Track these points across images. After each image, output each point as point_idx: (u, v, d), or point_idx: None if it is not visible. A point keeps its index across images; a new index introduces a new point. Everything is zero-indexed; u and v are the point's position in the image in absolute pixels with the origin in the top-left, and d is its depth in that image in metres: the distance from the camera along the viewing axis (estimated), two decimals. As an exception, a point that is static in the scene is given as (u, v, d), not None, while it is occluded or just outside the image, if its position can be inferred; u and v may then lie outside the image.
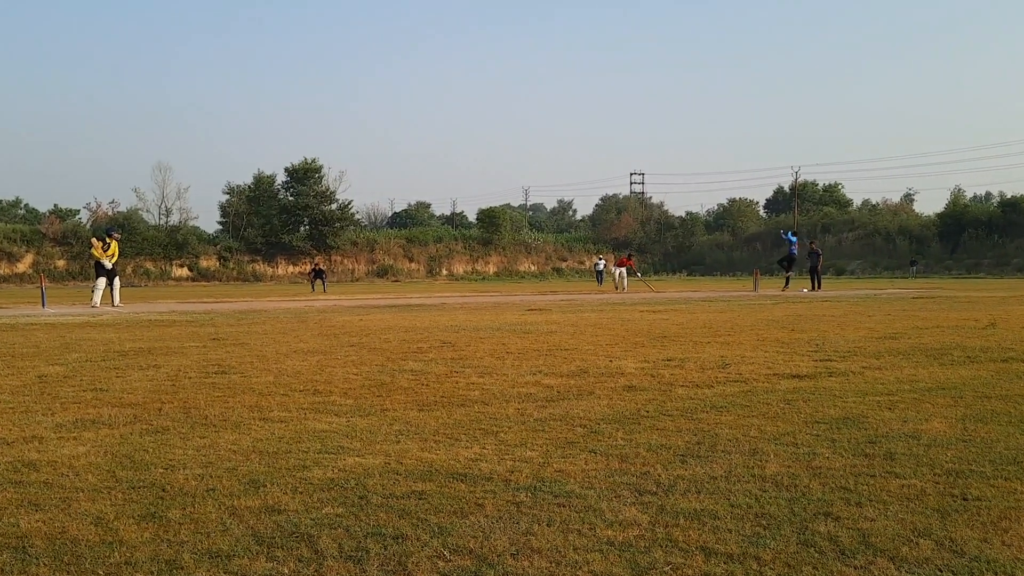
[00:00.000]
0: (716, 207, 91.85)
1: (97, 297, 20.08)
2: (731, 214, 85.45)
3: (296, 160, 67.00)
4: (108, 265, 20.34)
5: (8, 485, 3.72)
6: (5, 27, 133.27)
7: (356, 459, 4.15)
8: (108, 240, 20.62)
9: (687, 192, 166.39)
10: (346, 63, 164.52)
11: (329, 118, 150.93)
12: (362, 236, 70.94)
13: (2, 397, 6.09)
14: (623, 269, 33.67)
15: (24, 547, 2.93)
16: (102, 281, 20.36)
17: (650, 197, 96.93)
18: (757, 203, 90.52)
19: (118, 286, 20.55)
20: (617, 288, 32.70)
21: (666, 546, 2.94)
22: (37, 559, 2.82)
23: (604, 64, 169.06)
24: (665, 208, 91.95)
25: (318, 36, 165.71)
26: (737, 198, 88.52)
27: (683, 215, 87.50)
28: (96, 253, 20.39)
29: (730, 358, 8.08)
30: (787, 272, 29.17)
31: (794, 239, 29.19)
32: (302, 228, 66.76)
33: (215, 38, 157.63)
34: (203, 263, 62.31)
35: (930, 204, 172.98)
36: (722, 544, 2.95)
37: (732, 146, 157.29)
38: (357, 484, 3.70)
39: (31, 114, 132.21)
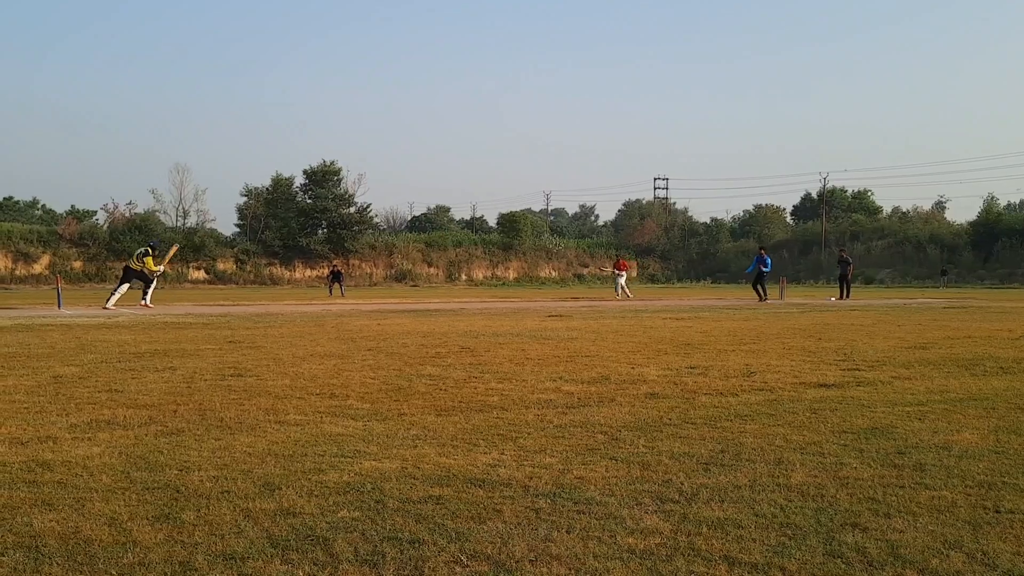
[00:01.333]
0: (742, 213, 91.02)
1: (114, 300, 20.38)
2: (757, 220, 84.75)
3: (315, 162, 67.03)
4: (162, 270, 21.40)
5: (22, 485, 3.69)
6: (21, 27, 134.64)
7: (373, 463, 4.10)
8: (152, 252, 21.10)
9: (712, 198, 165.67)
10: (365, 65, 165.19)
11: (348, 120, 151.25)
12: (381, 240, 70.89)
13: (17, 397, 6.09)
14: (623, 275, 31.52)
15: (37, 546, 2.89)
16: (125, 287, 20.77)
17: (674, 203, 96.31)
18: (784, 209, 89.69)
19: (152, 288, 21.06)
20: (620, 296, 31.02)
21: (688, 555, 2.87)
22: (50, 559, 2.78)
23: (628, 67, 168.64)
24: (689, 214, 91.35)
25: (337, 38, 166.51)
26: (764, 204, 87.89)
27: (708, 221, 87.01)
28: (154, 267, 20.86)
29: (755, 366, 7.98)
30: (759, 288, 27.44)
31: (768, 260, 27.22)
32: (320, 231, 66.74)
33: (232, 39, 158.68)
34: (220, 266, 62.45)
35: (962, 212, 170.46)
36: (746, 554, 2.88)
37: (759, 151, 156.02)
38: (374, 488, 3.64)
39: (48, 114, 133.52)
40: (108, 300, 20.60)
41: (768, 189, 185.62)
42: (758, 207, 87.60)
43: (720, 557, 2.85)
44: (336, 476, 3.84)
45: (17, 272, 56.55)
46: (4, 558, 2.78)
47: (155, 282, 21.24)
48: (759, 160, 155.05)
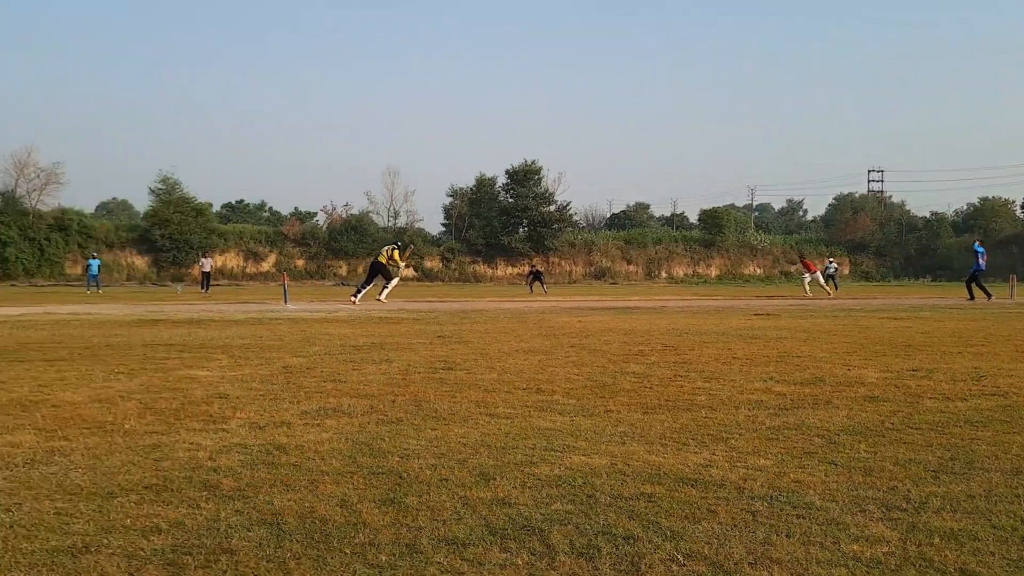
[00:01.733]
0: (965, 207, 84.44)
1: (361, 296, 21.92)
2: (983, 214, 78.39)
3: (516, 162, 68.39)
4: (403, 266, 23.24)
5: (262, 466, 3.99)
6: (246, 41, 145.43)
7: (582, 458, 4.14)
8: (399, 247, 22.78)
9: (932, 191, 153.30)
10: (564, 64, 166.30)
11: (548, 119, 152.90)
12: (580, 238, 71.33)
13: (253, 385, 6.58)
14: (811, 275, 31.68)
15: (279, 523, 3.12)
16: (395, 282, 22.39)
17: (890, 196, 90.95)
18: (1013, 202, 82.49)
19: (391, 286, 22.38)
20: (812, 294, 30.85)
21: (920, 565, 2.72)
22: (291, 535, 2.99)
23: (839, 54, 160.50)
24: (907, 208, 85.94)
25: (538, 39, 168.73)
26: (990, 197, 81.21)
27: (927, 215, 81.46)
28: (399, 260, 22.37)
29: (985, 370, 7.42)
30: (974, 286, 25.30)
31: (980, 250, 25.15)
32: (521, 230, 68.04)
33: (438, 46, 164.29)
34: (427, 264, 64.93)
35: None
36: (984, 567, 2.70)
37: (984, 140, 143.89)
38: (584, 483, 3.68)
39: (276, 122, 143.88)
40: (356, 295, 21.86)
41: (996, 180, 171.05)
42: (984, 200, 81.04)
43: (955, 569, 2.68)
44: (547, 469, 3.91)
45: (248, 270, 61.36)
46: (251, 533, 3.03)
47: (396, 280, 22.52)
48: (985, 150, 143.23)
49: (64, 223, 56.34)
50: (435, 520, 3.15)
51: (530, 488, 3.59)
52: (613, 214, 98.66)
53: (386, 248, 22.67)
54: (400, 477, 3.76)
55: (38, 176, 56.05)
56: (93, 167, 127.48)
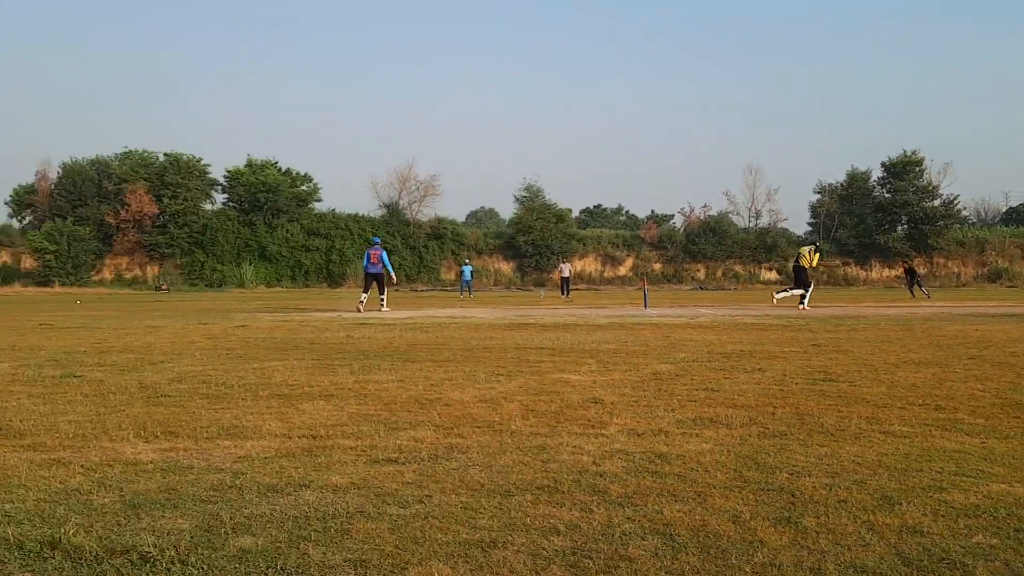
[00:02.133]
0: None
1: (783, 296, 22.30)
2: None
3: (893, 154, 63.67)
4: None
5: (646, 474, 4.00)
6: (588, 48, 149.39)
7: (1002, 486, 3.68)
8: (815, 254, 22.65)
9: None
10: (944, 40, 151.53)
11: (930, 104, 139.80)
12: (970, 235, 64.79)
13: (625, 391, 6.65)
14: None
15: (671, 535, 3.10)
16: (799, 291, 22.42)
17: None
18: None
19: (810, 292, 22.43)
20: None
21: None
22: (685, 548, 2.95)
23: None
24: None
25: (904, 18, 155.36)
26: None
27: None
28: (815, 264, 22.36)
29: None
30: None
31: None
32: (899, 228, 63.27)
33: (792, 34, 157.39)
34: (791, 265, 62.62)
35: None
36: None
37: None
38: (1009, 514, 3.27)
39: (630, 127, 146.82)
40: (802, 301, 21.80)
41: None
42: None
43: None
44: (961, 496, 3.52)
45: (605, 274, 63.22)
46: (645, 541, 3.03)
47: (812, 284, 22.22)
48: None
49: (439, 232, 62.03)
50: (838, 544, 2.95)
51: (943, 516, 3.25)
52: (1010, 208, 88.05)
53: (806, 250, 22.23)
54: (793, 495, 3.58)
55: (417, 188, 62.38)
56: (464, 178, 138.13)
